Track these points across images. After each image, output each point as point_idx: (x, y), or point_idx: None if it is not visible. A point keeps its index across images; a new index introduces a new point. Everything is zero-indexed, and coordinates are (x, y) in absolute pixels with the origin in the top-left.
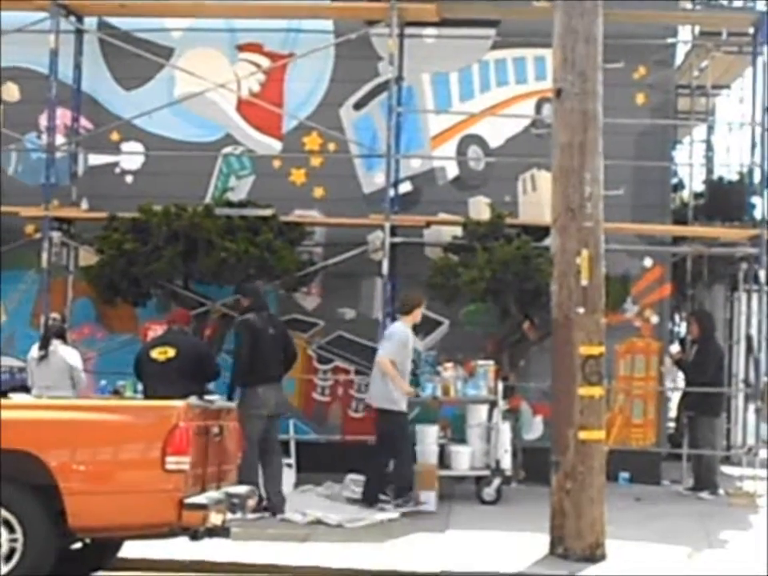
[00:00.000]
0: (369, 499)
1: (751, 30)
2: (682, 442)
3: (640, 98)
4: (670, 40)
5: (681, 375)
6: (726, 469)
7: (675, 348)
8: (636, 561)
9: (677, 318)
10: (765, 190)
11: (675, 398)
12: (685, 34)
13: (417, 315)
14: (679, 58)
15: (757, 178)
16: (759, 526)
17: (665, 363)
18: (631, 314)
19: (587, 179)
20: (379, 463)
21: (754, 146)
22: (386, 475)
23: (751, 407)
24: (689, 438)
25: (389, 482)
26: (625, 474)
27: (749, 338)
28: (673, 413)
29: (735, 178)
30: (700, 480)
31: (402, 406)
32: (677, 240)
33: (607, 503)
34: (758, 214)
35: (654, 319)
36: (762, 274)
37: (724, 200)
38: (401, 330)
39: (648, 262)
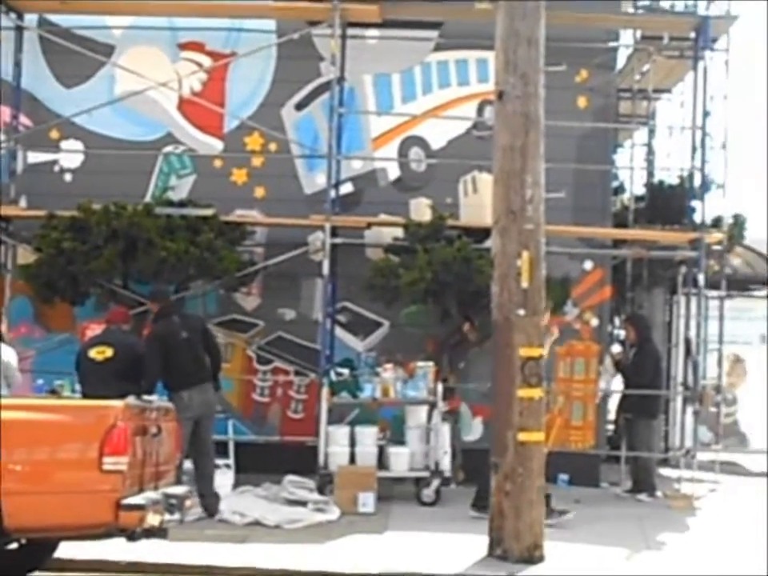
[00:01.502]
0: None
1: (692, 35)
2: (621, 445)
3: (582, 101)
4: (611, 44)
5: (619, 378)
6: (663, 471)
7: (617, 348)
8: (574, 562)
9: (616, 320)
10: (704, 193)
11: (614, 400)
12: (627, 37)
13: None
14: (621, 62)
15: (697, 181)
16: (696, 528)
17: (604, 363)
18: (571, 316)
19: (528, 182)
20: None
21: (694, 149)
22: None
23: (689, 410)
24: (627, 441)
25: None
26: (564, 476)
27: (687, 341)
28: (612, 415)
29: (675, 181)
30: (638, 482)
31: None
32: (617, 243)
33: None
34: (697, 217)
35: (594, 322)
36: (700, 277)
37: (664, 203)
38: None
39: (588, 264)
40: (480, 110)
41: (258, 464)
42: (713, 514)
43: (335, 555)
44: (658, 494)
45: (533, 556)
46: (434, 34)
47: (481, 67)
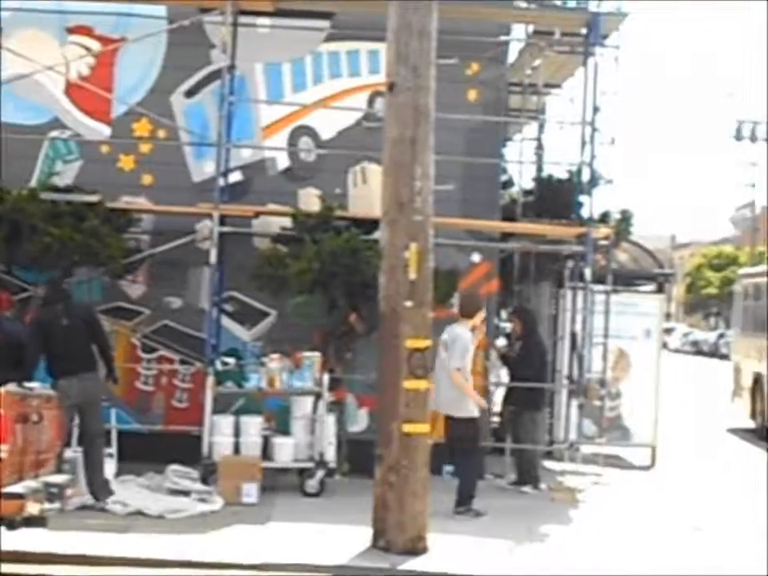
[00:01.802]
0: (465, 501)
1: (584, 31)
2: (506, 437)
3: (472, 95)
4: (503, 38)
5: (505, 370)
6: (548, 464)
7: (502, 342)
8: (457, 554)
9: (503, 313)
10: (593, 189)
11: (500, 392)
12: (518, 32)
13: (478, 320)
14: (512, 56)
15: (585, 176)
16: (579, 520)
17: (490, 357)
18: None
19: (418, 174)
20: (475, 464)
21: (583, 145)
22: (480, 478)
23: (574, 403)
24: (511, 433)
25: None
26: (449, 468)
27: (573, 335)
28: (497, 407)
29: (564, 176)
30: (522, 474)
31: (476, 412)
32: (505, 236)
33: (430, 496)
34: (585, 212)
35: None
36: (587, 271)
37: (552, 198)
38: (463, 334)
39: (476, 257)
40: (371, 102)
41: (142, 453)
42: (595, 507)
43: (217, 546)
44: (542, 486)
45: (416, 548)
46: (325, 24)
47: (372, 58)
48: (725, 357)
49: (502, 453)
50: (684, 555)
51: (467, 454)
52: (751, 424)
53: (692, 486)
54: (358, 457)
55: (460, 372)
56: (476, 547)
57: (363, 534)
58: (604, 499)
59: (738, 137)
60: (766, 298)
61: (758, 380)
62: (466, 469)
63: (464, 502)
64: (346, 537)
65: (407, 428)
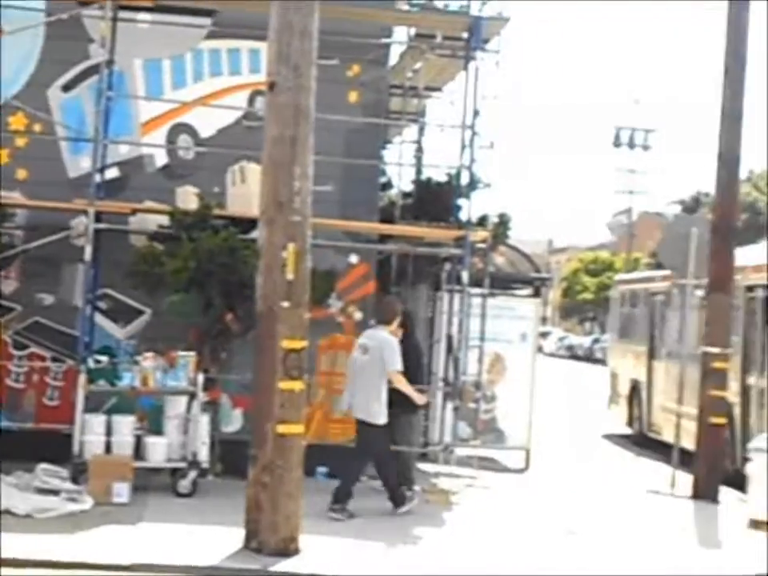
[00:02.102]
0: (341, 499)
1: (465, 35)
2: None
3: (353, 96)
4: (385, 40)
5: None
6: (422, 466)
7: None
8: (330, 555)
9: None
10: (471, 192)
11: None
12: (400, 34)
13: (395, 325)
14: (393, 59)
15: (464, 180)
16: (453, 522)
17: None
18: (335, 309)
19: (297, 174)
20: (358, 469)
21: (463, 148)
22: (357, 481)
23: (449, 406)
24: None
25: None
26: (322, 469)
27: (449, 338)
28: None
29: (443, 179)
30: (397, 476)
31: (384, 420)
32: (383, 238)
33: (304, 498)
34: (463, 215)
35: (358, 315)
36: (464, 274)
37: (431, 201)
38: (392, 338)
39: (354, 258)
40: (251, 100)
41: (12, 452)
42: (469, 509)
43: (86, 546)
44: (416, 488)
45: (288, 549)
46: (206, 21)
47: (253, 57)
48: (599, 361)
49: None
50: (557, 558)
51: (358, 458)
52: (627, 430)
53: (565, 489)
54: (232, 457)
55: (399, 373)
56: (349, 549)
57: (235, 535)
58: (478, 502)
59: (617, 143)
60: (643, 305)
61: (635, 387)
62: (348, 469)
63: (340, 500)
64: (218, 537)
65: (282, 429)
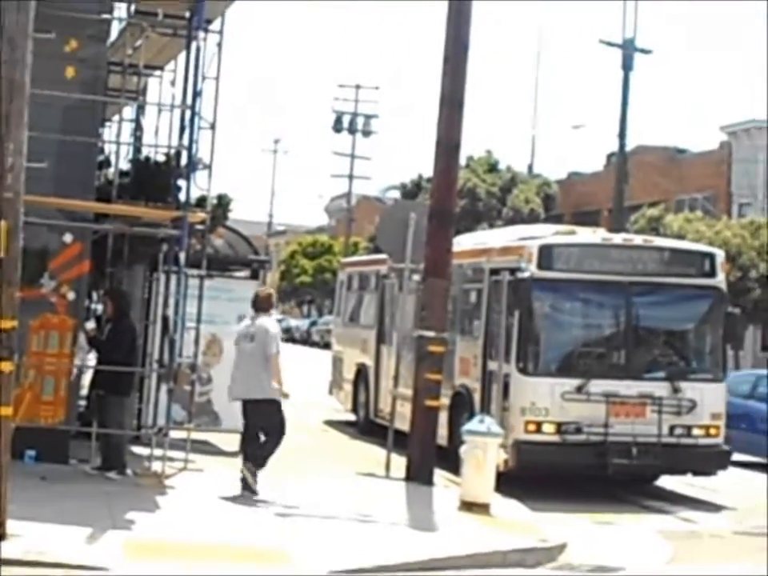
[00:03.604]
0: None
1: (187, 14)
2: (92, 421)
3: (70, 72)
4: (104, 15)
5: (94, 353)
6: (135, 449)
7: (91, 325)
8: (37, 541)
9: (95, 295)
10: (191, 173)
11: (88, 376)
12: (120, 10)
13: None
14: (113, 35)
15: (184, 160)
16: (165, 505)
17: (78, 340)
18: (47, 289)
19: (10, 150)
20: (274, 444)
21: (183, 128)
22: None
23: (164, 388)
24: (98, 417)
25: None
26: (31, 452)
27: (165, 319)
28: (85, 391)
29: (162, 159)
30: (108, 460)
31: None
32: (99, 217)
33: (11, 482)
34: (182, 196)
35: (71, 295)
36: (181, 255)
37: (150, 180)
38: (273, 325)
39: (68, 237)
40: None
41: None
42: (182, 492)
43: None
44: (128, 471)
45: None
46: None
47: None
48: (316, 344)
49: (89, 437)
50: (268, 539)
51: (275, 434)
52: (352, 417)
53: (281, 473)
54: None
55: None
56: (57, 533)
57: None
58: (191, 485)
59: (337, 128)
60: (371, 289)
61: (361, 371)
62: (265, 449)
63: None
64: None
65: None
